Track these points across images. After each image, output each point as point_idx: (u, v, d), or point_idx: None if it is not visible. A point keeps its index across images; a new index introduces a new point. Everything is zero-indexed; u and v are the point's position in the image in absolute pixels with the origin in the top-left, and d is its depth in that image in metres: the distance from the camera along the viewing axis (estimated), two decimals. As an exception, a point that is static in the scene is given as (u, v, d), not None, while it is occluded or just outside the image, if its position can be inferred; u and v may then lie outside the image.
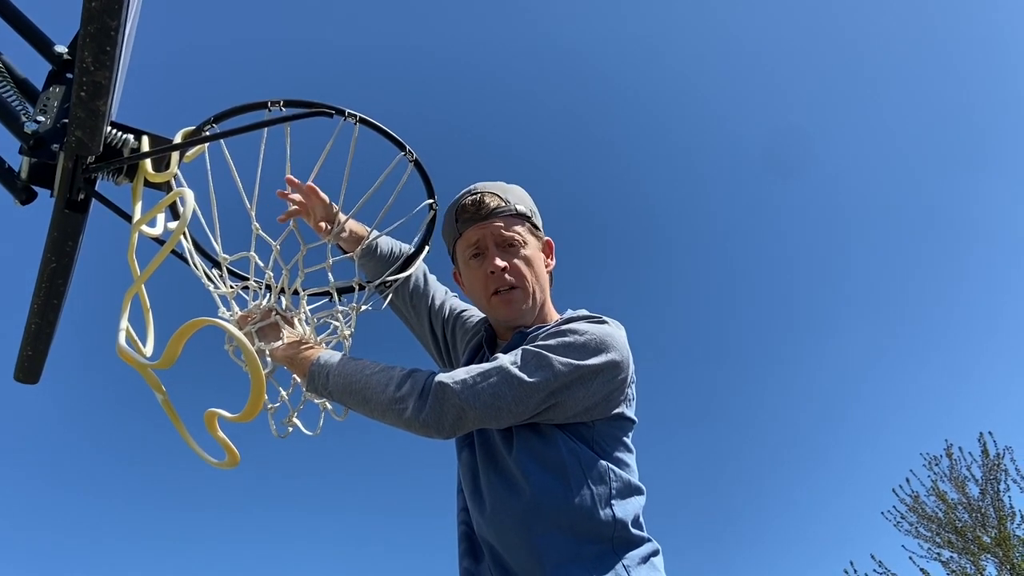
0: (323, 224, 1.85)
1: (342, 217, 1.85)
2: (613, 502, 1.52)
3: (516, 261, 1.72)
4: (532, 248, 1.77)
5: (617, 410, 1.61)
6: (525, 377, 1.49)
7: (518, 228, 1.75)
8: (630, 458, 1.63)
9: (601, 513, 1.50)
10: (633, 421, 1.66)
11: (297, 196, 1.81)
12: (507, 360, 1.53)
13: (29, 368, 1.90)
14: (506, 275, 1.71)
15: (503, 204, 1.75)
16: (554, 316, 1.79)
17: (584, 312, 1.70)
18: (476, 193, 1.77)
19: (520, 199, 1.80)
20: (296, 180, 1.78)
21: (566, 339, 1.55)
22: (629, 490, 1.57)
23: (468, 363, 1.82)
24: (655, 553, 1.55)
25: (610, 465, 1.56)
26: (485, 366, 1.53)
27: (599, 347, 1.56)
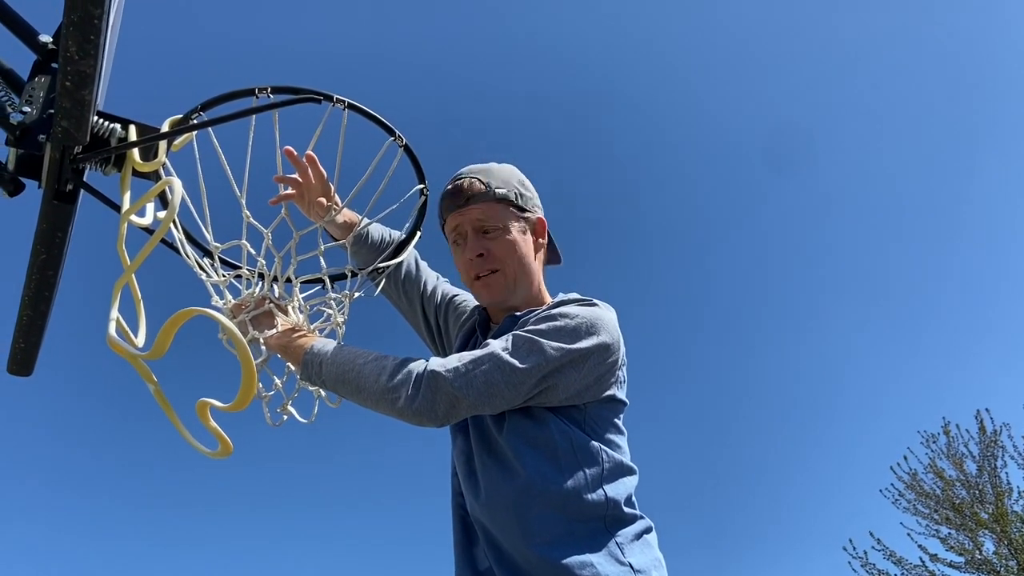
0: (322, 200, 1.84)
1: (338, 201, 1.84)
2: (605, 482, 1.53)
3: (494, 245, 1.73)
4: (514, 231, 1.75)
5: (608, 392, 1.61)
6: (517, 363, 1.49)
7: (497, 212, 1.74)
8: (622, 439, 1.64)
9: (593, 493, 1.51)
10: (624, 403, 1.67)
11: (293, 177, 1.80)
12: (498, 346, 1.53)
13: (22, 360, 1.90)
14: (484, 261, 1.72)
15: (483, 189, 1.74)
16: (546, 299, 1.80)
17: (575, 295, 1.71)
18: (459, 179, 1.77)
19: (503, 182, 1.78)
20: (294, 152, 1.78)
21: (556, 323, 1.56)
22: (621, 470, 1.58)
23: (461, 348, 1.83)
24: (648, 530, 1.57)
25: (602, 446, 1.57)
26: (476, 353, 1.53)
27: (589, 330, 1.56)
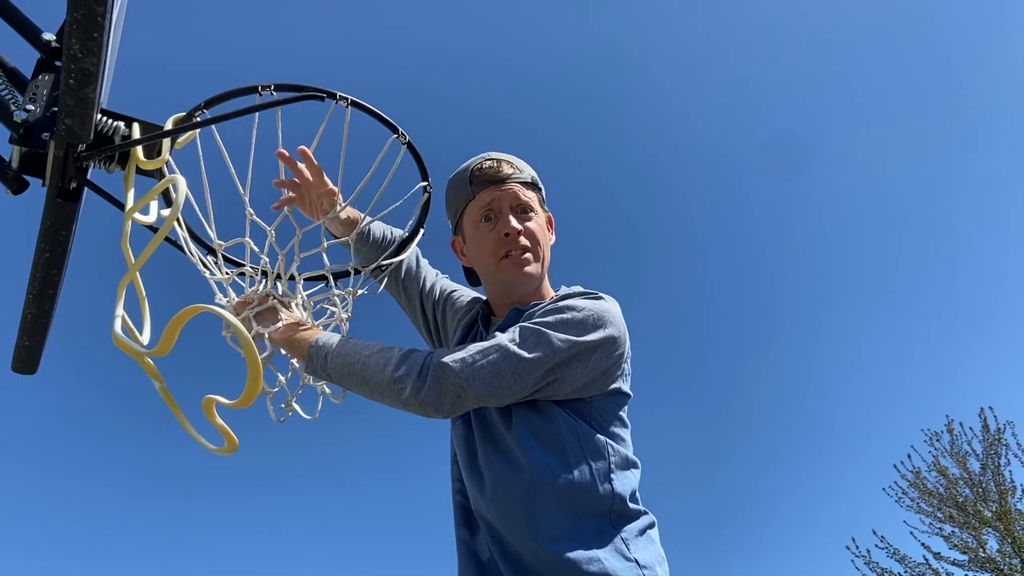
0: (331, 189, 1.84)
1: (340, 199, 1.84)
2: (612, 476, 1.53)
3: (530, 225, 1.74)
4: (542, 219, 1.80)
5: (614, 385, 1.61)
6: (524, 354, 1.49)
7: (532, 195, 1.78)
8: (626, 432, 1.64)
9: (600, 488, 1.50)
10: (629, 396, 1.67)
11: (292, 180, 1.80)
12: (505, 338, 1.53)
13: (27, 358, 1.90)
14: (521, 238, 1.71)
15: (520, 172, 1.77)
16: (550, 293, 1.79)
17: (579, 288, 1.70)
18: (491, 159, 1.77)
19: (532, 172, 1.82)
20: (287, 153, 1.77)
21: (564, 315, 1.55)
22: (626, 464, 1.58)
23: (460, 341, 1.82)
24: (651, 526, 1.57)
25: (608, 440, 1.57)
26: (483, 344, 1.53)
27: (597, 323, 1.56)
